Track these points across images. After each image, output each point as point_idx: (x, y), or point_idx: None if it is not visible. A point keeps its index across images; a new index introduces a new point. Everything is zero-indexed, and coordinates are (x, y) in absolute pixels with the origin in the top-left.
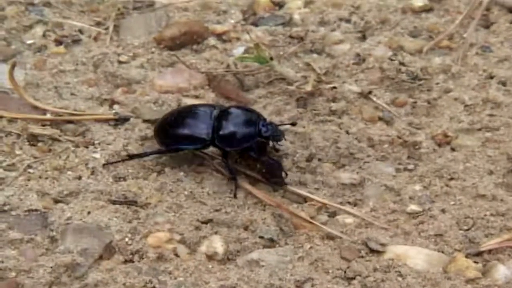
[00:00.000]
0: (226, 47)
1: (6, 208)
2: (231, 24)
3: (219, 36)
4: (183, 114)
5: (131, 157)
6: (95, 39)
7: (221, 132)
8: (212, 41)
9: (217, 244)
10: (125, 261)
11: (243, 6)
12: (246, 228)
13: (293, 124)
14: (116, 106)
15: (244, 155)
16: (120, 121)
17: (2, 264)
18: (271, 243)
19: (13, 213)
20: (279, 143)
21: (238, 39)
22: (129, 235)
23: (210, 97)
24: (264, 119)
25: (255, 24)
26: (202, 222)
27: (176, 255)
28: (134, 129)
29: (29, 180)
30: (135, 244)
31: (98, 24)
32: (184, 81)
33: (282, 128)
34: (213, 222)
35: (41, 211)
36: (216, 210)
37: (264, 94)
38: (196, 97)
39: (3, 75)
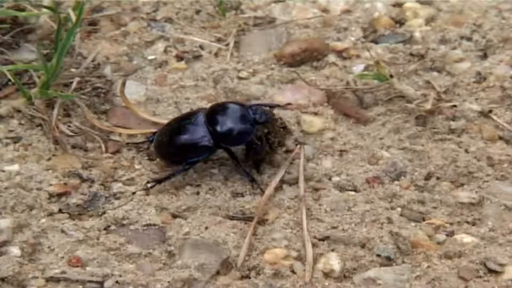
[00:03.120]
0: (346, 64)
1: (124, 222)
2: (351, 41)
3: (339, 53)
4: (176, 129)
5: (157, 181)
6: (216, 55)
7: (220, 132)
8: (332, 58)
9: (334, 262)
10: (242, 277)
11: (364, 23)
12: (363, 246)
13: (274, 106)
14: None
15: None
16: None
17: (120, 278)
18: (388, 261)
19: (132, 227)
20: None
21: (358, 56)
22: (246, 251)
23: (329, 114)
24: (249, 106)
25: (376, 42)
26: (319, 239)
27: (293, 271)
28: None
29: (147, 194)
30: (252, 260)
31: (218, 40)
32: (304, 97)
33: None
34: (330, 239)
35: (159, 226)
36: (333, 227)
37: (383, 111)
38: (315, 113)
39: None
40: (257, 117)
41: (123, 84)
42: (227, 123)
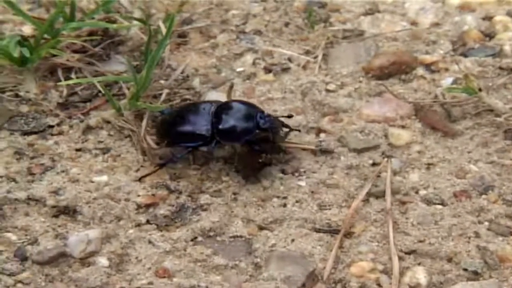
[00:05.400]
0: (434, 78)
1: (211, 233)
2: (440, 55)
3: (427, 66)
4: (182, 112)
5: (161, 166)
6: (304, 67)
7: (220, 127)
8: (420, 71)
9: (421, 275)
10: None
11: (453, 36)
12: (450, 260)
13: (289, 116)
14: (322, 135)
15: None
16: (323, 153)
17: None
18: (475, 275)
19: (219, 239)
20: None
21: (446, 69)
22: (333, 263)
23: (416, 127)
24: (262, 112)
25: (465, 55)
26: (406, 253)
27: (379, 285)
28: (340, 158)
29: (235, 206)
30: (338, 273)
31: (307, 52)
32: (391, 110)
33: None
34: (417, 253)
35: (246, 238)
36: (420, 241)
37: (471, 125)
38: (403, 127)
39: None
40: (261, 122)
41: (231, 87)
42: (230, 119)
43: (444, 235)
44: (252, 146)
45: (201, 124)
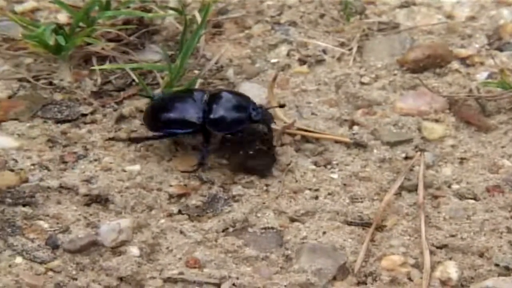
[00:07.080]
0: (469, 72)
1: (243, 225)
2: (476, 49)
3: (462, 60)
4: (173, 99)
5: (131, 140)
6: (339, 59)
7: (212, 116)
8: (455, 65)
9: (452, 270)
10: (358, 283)
11: (489, 30)
12: (481, 255)
13: (282, 106)
14: (355, 128)
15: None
16: (356, 145)
17: (237, 281)
18: (507, 271)
19: (250, 230)
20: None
21: (482, 63)
22: (364, 256)
23: (450, 121)
24: (254, 103)
25: (500, 49)
26: (437, 247)
27: (410, 279)
28: (373, 151)
29: (266, 198)
30: (369, 266)
31: (342, 44)
32: (425, 104)
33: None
34: (448, 248)
35: (277, 230)
36: (452, 236)
37: (506, 120)
38: (436, 120)
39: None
40: (253, 114)
41: (274, 79)
42: (223, 109)
43: (476, 230)
44: (237, 136)
45: (192, 112)
